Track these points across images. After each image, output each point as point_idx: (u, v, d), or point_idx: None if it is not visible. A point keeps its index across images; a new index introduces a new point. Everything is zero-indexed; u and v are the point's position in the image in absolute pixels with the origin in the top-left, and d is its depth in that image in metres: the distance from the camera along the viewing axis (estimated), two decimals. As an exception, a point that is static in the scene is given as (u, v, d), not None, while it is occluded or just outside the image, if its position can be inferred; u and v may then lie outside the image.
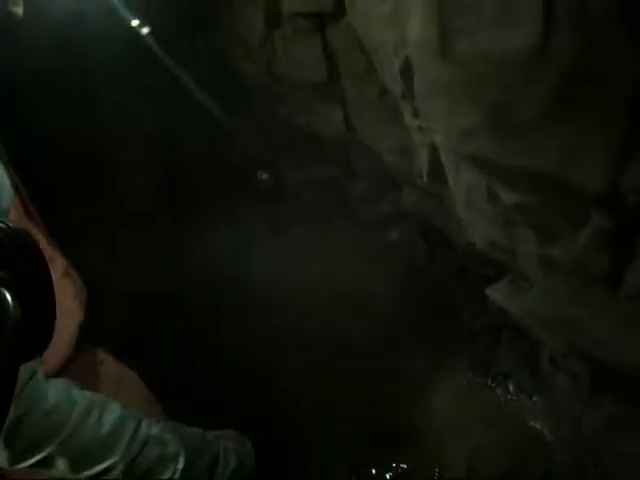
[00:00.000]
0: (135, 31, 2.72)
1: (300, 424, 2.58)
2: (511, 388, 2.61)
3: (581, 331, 1.23)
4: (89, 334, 1.80)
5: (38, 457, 1.14)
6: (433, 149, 1.73)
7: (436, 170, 1.85)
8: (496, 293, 1.75)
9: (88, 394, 1.28)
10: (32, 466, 1.14)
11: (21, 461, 1.13)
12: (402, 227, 3.35)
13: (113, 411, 1.25)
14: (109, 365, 1.77)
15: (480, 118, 1.08)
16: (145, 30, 2.72)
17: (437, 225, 3.06)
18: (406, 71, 1.40)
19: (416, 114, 1.63)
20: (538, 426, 2.42)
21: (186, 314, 2.87)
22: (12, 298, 0.70)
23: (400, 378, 2.78)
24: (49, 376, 1.24)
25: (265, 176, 3.57)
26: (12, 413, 1.06)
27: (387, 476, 2.47)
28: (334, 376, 2.73)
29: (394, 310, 2.97)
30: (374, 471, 2.48)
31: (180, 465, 1.30)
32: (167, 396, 2.00)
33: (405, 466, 2.49)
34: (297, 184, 3.54)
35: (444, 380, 2.75)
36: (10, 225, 0.78)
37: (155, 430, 1.29)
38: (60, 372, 1.49)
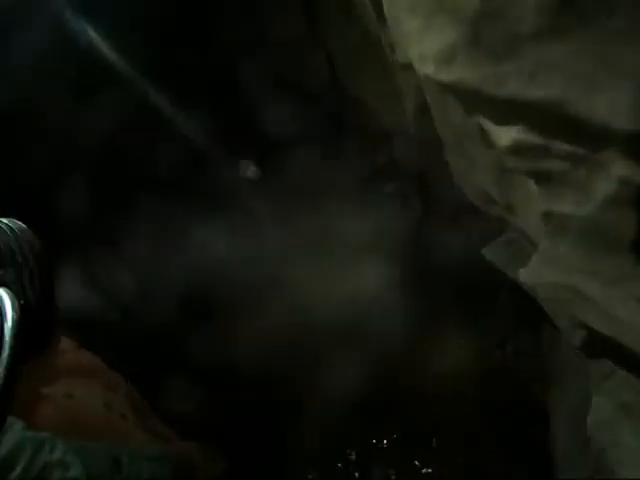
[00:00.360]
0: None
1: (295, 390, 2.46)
2: (509, 351, 2.41)
3: (590, 306, 0.99)
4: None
5: None
6: (418, 90, 1.45)
7: (423, 112, 1.57)
8: (493, 254, 1.50)
9: None
10: None
11: None
12: (397, 180, 3.09)
13: (13, 433, 1.13)
14: (69, 355, 1.66)
15: (459, 34, 0.79)
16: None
17: (432, 177, 2.79)
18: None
19: (392, 47, 1.34)
20: (538, 393, 2.24)
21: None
22: (11, 298, 0.71)
23: (393, 340, 2.61)
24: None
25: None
26: None
27: (384, 443, 2.34)
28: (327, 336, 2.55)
29: (388, 266, 2.77)
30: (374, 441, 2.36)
31: None
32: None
33: (400, 433, 2.35)
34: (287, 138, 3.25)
35: (439, 341, 2.55)
36: (15, 223, 0.80)
37: (57, 453, 1.18)
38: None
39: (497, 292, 2.49)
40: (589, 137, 0.81)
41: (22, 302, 0.72)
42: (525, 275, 1.15)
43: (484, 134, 1.06)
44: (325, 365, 2.47)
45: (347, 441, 2.37)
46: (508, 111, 0.86)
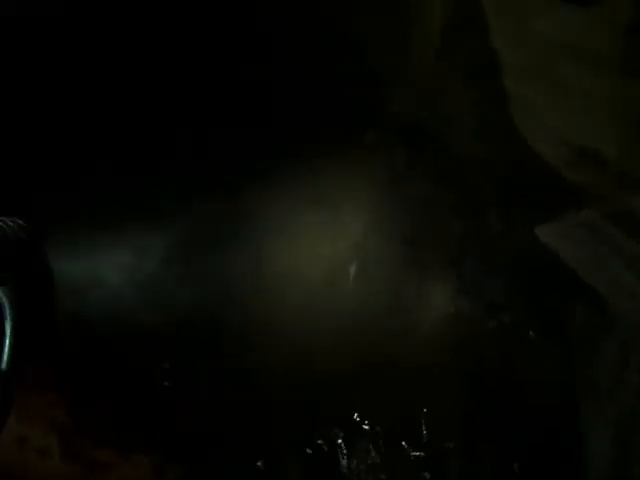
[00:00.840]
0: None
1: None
2: (507, 320, 2.27)
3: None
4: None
5: None
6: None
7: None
8: (553, 238, 1.26)
9: None
10: None
11: None
12: (382, 128, 2.79)
13: None
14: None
15: None
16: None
17: (427, 128, 2.52)
18: None
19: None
20: (537, 366, 2.12)
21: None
22: (9, 299, 0.73)
23: (380, 305, 2.44)
24: None
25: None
26: None
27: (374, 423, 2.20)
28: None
29: (371, 223, 2.55)
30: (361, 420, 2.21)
31: None
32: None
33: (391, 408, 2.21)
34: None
35: (429, 307, 2.39)
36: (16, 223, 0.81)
37: None
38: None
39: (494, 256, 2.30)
40: None
41: (21, 301, 0.74)
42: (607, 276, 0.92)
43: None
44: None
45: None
46: None
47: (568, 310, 2.11)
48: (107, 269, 2.41)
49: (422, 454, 2.09)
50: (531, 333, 2.21)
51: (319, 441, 2.12)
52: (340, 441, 2.10)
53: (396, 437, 2.15)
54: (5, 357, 0.70)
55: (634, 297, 1.38)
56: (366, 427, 2.20)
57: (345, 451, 2.11)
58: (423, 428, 2.11)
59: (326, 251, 2.52)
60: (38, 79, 2.43)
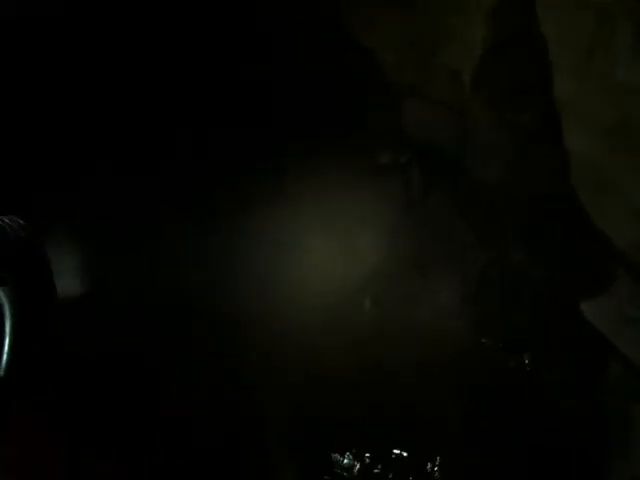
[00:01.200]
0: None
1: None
2: (528, 357, 2.15)
3: None
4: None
5: None
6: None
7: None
8: (604, 321, 1.13)
9: None
10: None
11: None
12: (396, 148, 2.67)
13: None
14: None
15: None
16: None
17: (447, 149, 2.40)
18: None
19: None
20: (564, 410, 2.00)
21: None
22: (9, 299, 0.73)
23: (394, 341, 2.30)
24: None
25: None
26: None
27: (382, 464, 2.06)
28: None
29: (383, 251, 2.41)
30: (368, 459, 2.07)
31: None
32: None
33: (402, 452, 2.07)
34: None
35: (445, 340, 2.26)
36: (15, 222, 0.80)
37: None
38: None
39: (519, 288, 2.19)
40: None
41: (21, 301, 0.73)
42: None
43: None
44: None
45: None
46: None
47: (600, 360, 2.00)
48: (107, 269, 2.33)
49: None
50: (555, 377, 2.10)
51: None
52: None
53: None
54: (3, 361, 0.69)
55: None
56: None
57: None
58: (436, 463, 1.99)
59: (337, 281, 2.38)
60: (38, 79, 2.37)
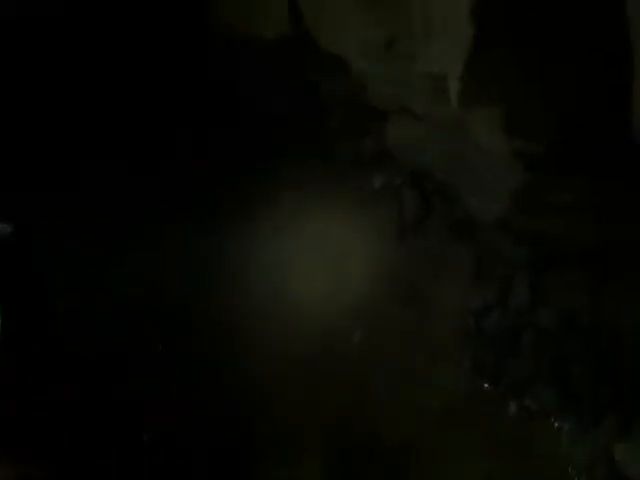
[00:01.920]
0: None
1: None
2: (528, 404, 2.01)
3: None
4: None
5: None
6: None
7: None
8: None
9: None
10: None
11: None
12: (387, 171, 2.51)
13: None
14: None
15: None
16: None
17: (437, 173, 2.24)
18: None
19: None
20: (565, 458, 1.87)
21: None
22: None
23: (383, 381, 2.14)
24: None
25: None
26: None
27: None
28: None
29: (375, 285, 2.24)
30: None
31: None
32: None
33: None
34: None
35: (440, 384, 2.11)
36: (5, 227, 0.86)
37: None
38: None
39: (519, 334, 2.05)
40: None
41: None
42: None
43: None
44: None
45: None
46: None
47: (600, 397, 1.89)
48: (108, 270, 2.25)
49: None
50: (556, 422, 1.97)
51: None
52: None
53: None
54: None
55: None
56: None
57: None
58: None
59: (325, 313, 2.22)
60: (38, 79, 2.43)
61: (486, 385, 2.05)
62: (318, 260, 2.30)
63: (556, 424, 1.94)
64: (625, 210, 1.79)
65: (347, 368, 2.16)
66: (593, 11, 1.44)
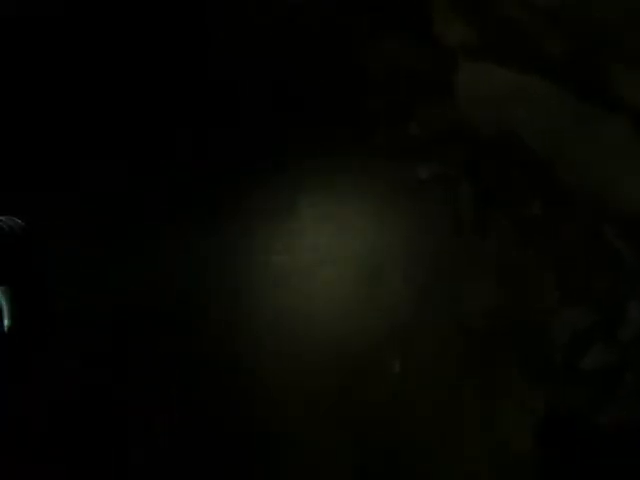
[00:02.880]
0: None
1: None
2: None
3: None
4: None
5: None
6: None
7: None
8: None
9: None
10: None
11: None
12: (438, 159, 2.04)
13: None
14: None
15: None
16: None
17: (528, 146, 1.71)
18: None
19: None
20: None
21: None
22: (7, 300, 0.75)
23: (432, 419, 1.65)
24: None
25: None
26: None
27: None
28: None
29: (423, 297, 1.76)
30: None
31: None
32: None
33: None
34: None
35: (500, 438, 1.56)
36: (14, 222, 0.82)
37: None
38: None
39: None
40: None
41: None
42: None
43: None
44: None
45: None
46: None
47: None
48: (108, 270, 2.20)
49: None
50: None
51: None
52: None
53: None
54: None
55: None
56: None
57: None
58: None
59: (358, 334, 1.78)
60: (38, 79, 2.33)
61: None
62: (349, 265, 1.89)
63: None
64: None
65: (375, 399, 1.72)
66: None
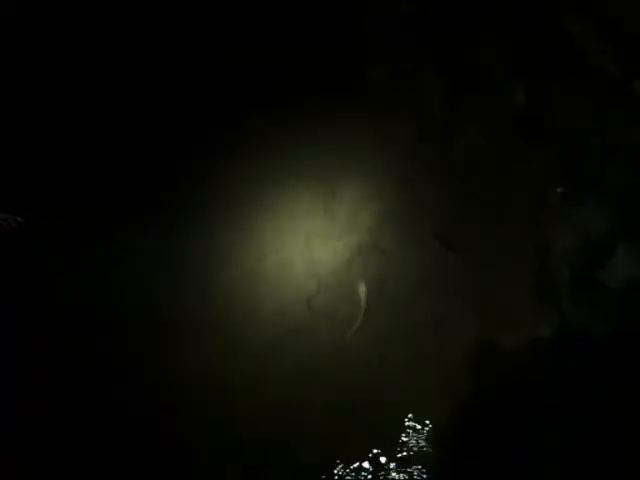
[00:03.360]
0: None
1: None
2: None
3: None
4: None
5: None
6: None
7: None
8: None
9: None
10: None
11: None
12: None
13: None
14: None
15: None
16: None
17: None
18: None
19: None
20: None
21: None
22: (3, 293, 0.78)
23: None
24: None
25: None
26: None
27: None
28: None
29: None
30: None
31: None
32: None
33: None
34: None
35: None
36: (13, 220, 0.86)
37: None
38: None
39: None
40: None
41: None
42: None
43: None
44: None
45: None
46: None
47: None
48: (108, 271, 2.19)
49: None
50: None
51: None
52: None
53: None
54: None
55: None
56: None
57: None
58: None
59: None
60: (39, 80, 2.39)
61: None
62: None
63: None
64: None
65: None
66: None
